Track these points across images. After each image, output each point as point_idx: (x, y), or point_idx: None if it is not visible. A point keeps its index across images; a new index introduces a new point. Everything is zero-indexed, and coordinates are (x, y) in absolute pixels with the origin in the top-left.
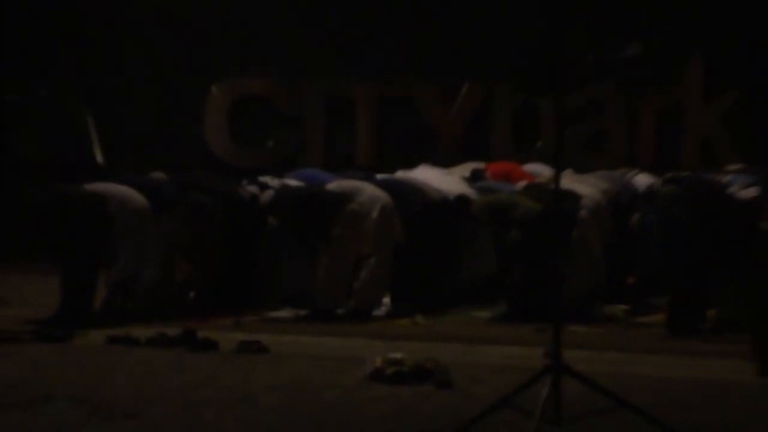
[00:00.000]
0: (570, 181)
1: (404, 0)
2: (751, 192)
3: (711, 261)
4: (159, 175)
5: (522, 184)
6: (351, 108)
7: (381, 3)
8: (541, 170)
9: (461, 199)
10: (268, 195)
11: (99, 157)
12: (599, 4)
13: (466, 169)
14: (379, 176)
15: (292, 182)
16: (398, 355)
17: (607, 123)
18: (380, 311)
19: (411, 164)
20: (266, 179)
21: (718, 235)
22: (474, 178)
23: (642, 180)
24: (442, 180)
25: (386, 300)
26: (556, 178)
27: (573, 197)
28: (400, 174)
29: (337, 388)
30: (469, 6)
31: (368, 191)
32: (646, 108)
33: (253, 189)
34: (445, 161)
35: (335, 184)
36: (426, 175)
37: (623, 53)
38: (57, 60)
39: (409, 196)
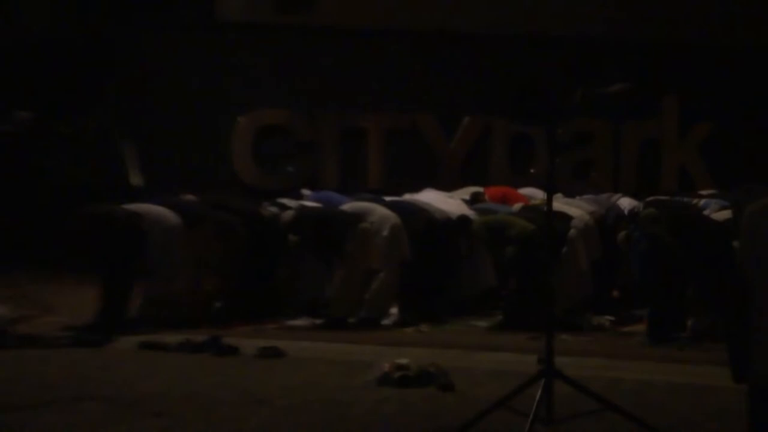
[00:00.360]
0: (561, 204)
1: (412, 42)
2: (725, 214)
3: (689, 275)
4: (189, 196)
5: (518, 205)
6: (363, 137)
7: (391, 44)
8: (535, 193)
9: (462, 219)
10: (288, 214)
11: (136, 180)
12: (589, 47)
13: (466, 192)
14: (387, 198)
15: (310, 203)
16: (404, 361)
17: (595, 152)
18: (388, 320)
19: (416, 188)
20: (285, 200)
21: (695, 253)
22: (473, 200)
23: (625, 203)
24: (445, 202)
25: (394, 310)
26: (549, 201)
27: (564, 218)
28: (407, 197)
29: (348, 390)
30: (470, 47)
31: (379, 212)
32: (628, 139)
33: (273, 209)
34: (447, 185)
35: (349, 205)
36: (430, 197)
37: (609, 89)
38: (101, 96)
39: (415, 216)
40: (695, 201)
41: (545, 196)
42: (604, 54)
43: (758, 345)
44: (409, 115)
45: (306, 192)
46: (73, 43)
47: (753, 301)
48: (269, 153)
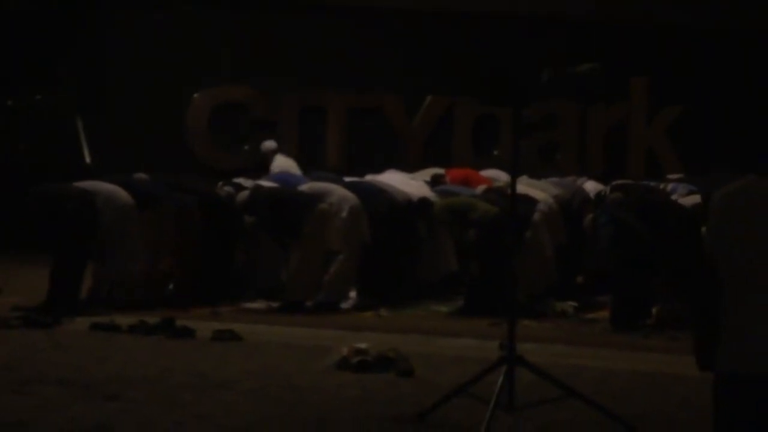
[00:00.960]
0: (525, 187)
1: (375, 19)
2: (693, 199)
3: (655, 261)
4: (142, 175)
5: (481, 188)
6: (323, 116)
7: (353, 21)
8: (498, 175)
9: (423, 201)
10: (243, 195)
11: (87, 158)
12: (556, 27)
13: (427, 174)
14: (347, 179)
15: (266, 183)
16: (363, 345)
17: (560, 134)
18: (347, 304)
19: (378, 168)
20: (240, 180)
21: (663, 238)
22: (434, 182)
23: (590, 186)
24: (407, 184)
25: (353, 294)
26: (513, 184)
27: (528, 201)
28: (369, 177)
29: (306, 375)
30: (433, 26)
31: (338, 192)
32: (595, 121)
33: (229, 189)
34: (409, 166)
35: (307, 186)
36: (392, 178)
37: (576, 70)
38: (52, 68)
39: (376, 198)
40: (663, 185)
41: (509, 178)
42: (572, 33)
43: (725, 332)
44: (371, 94)
45: (271, 144)
46: (26, 16)
47: (720, 287)
48: (226, 131)
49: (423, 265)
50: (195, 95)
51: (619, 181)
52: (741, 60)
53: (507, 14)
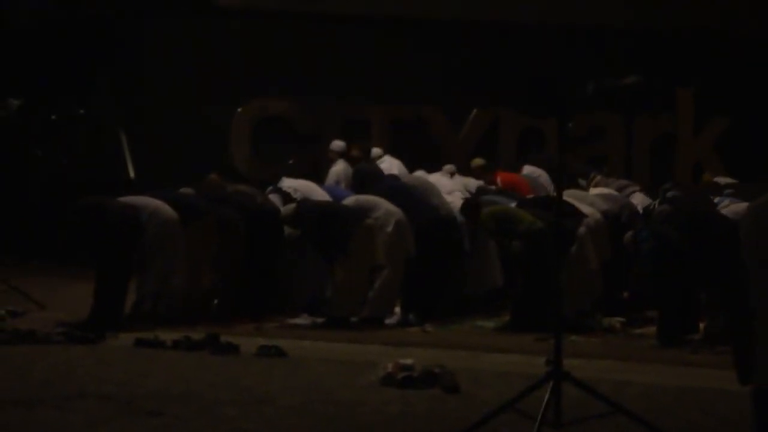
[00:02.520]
0: (573, 200)
1: (417, 31)
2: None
3: (700, 276)
4: (186, 190)
5: (530, 197)
6: (367, 129)
7: (396, 33)
8: (535, 172)
9: (469, 204)
10: (289, 208)
11: (131, 172)
12: (602, 38)
13: (473, 184)
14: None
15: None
16: (408, 361)
17: (607, 147)
18: (392, 320)
19: None
20: (287, 183)
21: (708, 253)
22: (479, 192)
23: (638, 199)
24: (452, 186)
25: (397, 309)
26: (558, 197)
27: (574, 215)
28: (419, 173)
29: (352, 391)
30: (478, 37)
31: (384, 207)
32: (642, 134)
33: (275, 198)
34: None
35: (352, 200)
36: (439, 182)
37: (622, 81)
38: (96, 83)
39: (420, 211)
40: (711, 196)
41: (546, 177)
42: (617, 44)
43: (762, 345)
44: (415, 107)
45: (339, 145)
46: (67, 28)
47: (756, 300)
48: (269, 144)
49: (468, 280)
50: (238, 109)
51: (669, 184)
52: None
53: (552, 24)
